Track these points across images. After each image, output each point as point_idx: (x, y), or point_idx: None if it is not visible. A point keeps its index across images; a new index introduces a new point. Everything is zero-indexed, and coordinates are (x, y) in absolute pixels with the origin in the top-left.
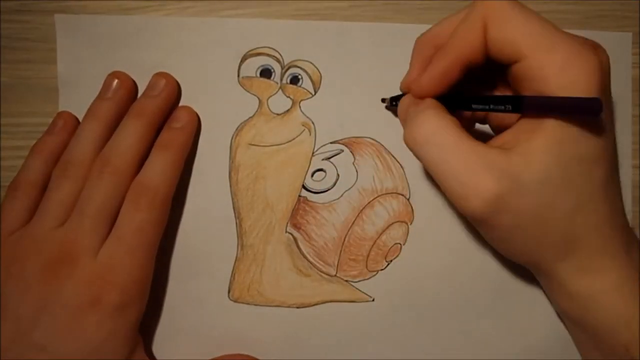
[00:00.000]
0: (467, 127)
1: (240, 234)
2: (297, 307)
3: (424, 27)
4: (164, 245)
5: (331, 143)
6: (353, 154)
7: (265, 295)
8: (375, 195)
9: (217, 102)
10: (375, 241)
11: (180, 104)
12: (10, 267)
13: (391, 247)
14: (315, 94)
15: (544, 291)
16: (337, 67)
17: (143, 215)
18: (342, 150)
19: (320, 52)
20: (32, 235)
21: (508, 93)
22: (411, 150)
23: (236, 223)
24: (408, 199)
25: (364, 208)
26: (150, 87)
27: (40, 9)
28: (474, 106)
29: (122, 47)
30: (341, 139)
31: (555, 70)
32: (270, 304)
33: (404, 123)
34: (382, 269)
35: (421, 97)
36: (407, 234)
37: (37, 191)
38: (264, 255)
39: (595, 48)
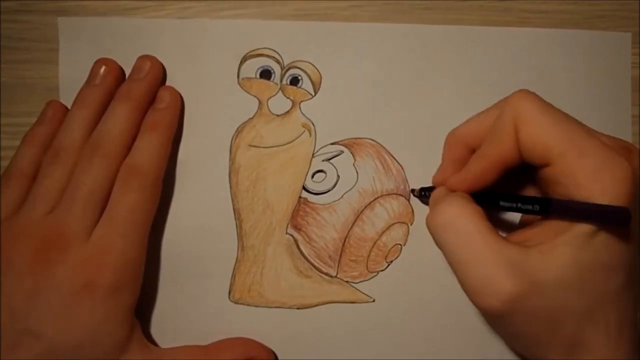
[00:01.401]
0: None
1: (240, 236)
2: (298, 308)
3: (424, 27)
4: (164, 246)
5: (331, 144)
6: (353, 155)
7: (265, 297)
8: (376, 196)
9: (217, 103)
10: (376, 242)
11: (180, 105)
12: (1, 255)
13: (391, 248)
14: (315, 94)
15: None
16: (337, 68)
17: (134, 196)
18: (342, 152)
19: (320, 53)
20: (22, 222)
21: (534, 192)
22: (432, 234)
23: (236, 224)
24: (408, 200)
25: (364, 209)
26: (135, 70)
27: (40, 9)
28: (502, 204)
29: (123, 49)
30: (341, 140)
31: (585, 176)
32: (271, 305)
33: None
34: (382, 270)
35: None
36: (408, 235)
37: (29, 180)
38: (265, 257)
39: (629, 152)
